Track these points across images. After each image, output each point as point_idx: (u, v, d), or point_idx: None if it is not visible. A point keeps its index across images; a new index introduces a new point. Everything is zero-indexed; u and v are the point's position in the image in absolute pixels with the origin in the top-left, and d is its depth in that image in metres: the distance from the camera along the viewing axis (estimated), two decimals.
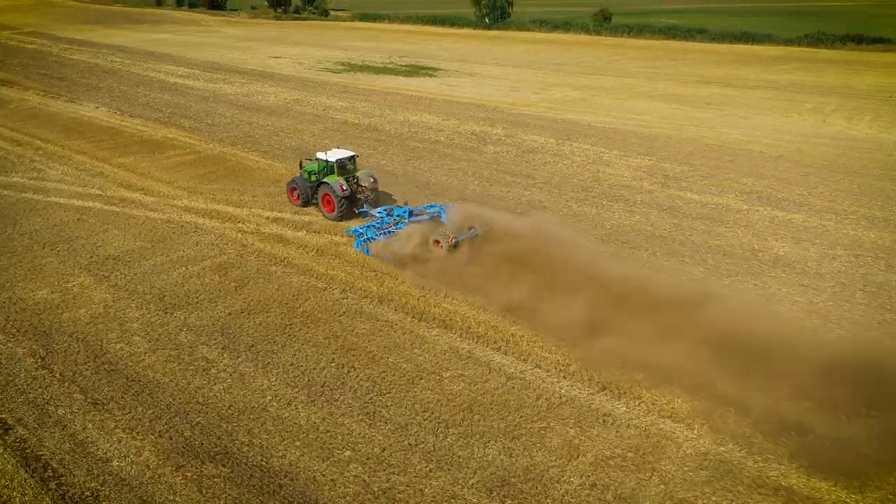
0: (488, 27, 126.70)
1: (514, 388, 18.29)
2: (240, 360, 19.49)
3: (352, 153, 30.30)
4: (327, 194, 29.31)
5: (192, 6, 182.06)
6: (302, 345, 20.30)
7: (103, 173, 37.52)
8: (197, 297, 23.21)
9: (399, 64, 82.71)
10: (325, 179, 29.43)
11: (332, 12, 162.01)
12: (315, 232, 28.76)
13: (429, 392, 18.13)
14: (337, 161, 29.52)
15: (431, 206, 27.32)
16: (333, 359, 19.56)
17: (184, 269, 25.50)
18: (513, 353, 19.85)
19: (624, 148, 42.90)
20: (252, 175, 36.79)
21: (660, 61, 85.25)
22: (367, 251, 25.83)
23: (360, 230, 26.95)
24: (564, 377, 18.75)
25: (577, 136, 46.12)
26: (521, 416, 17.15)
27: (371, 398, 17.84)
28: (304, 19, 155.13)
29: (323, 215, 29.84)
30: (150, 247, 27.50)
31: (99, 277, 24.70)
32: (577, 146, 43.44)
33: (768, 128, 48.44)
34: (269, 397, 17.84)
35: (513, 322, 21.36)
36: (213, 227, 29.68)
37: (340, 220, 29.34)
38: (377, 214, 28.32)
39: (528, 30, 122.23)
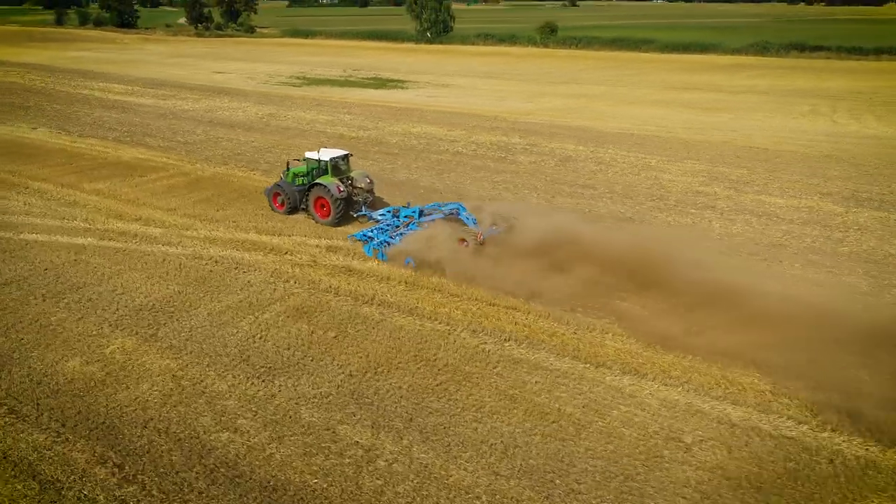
0: (430, 41, 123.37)
1: (795, 456, 13.93)
2: (406, 442, 14.11)
3: (345, 151, 27.54)
4: (321, 197, 26.41)
5: (97, 24, 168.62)
6: (476, 412, 15.14)
7: (78, 202, 30.55)
8: (294, 356, 17.51)
9: (360, 77, 77.52)
10: (318, 181, 26.42)
11: (257, 29, 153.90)
12: (387, 262, 23.45)
13: (683, 467, 13.49)
14: (331, 160, 26.58)
15: (445, 205, 25.24)
16: (532, 430, 14.54)
17: (252, 317, 19.63)
18: (750, 403, 15.53)
19: (664, 153, 39.88)
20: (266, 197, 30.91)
21: (624, 70, 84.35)
22: (382, 255, 23.21)
23: (368, 234, 24.44)
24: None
25: (605, 142, 42.80)
26: None
27: (627, 486, 12.99)
28: (229, 36, 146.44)
29: (315, 221, 26.90)
30: (190, 291, 21.36)
31: (143, 337, 18.46)
32: (614, 153, 40.06)
33: (786, 129, 46.94)
34: (484, 499, 12.63)
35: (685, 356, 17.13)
36: (259, 261, 23.79)
37: (337, 226, 26.46)
38: (380, 217, 26.06)
39: (473, 43, 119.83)
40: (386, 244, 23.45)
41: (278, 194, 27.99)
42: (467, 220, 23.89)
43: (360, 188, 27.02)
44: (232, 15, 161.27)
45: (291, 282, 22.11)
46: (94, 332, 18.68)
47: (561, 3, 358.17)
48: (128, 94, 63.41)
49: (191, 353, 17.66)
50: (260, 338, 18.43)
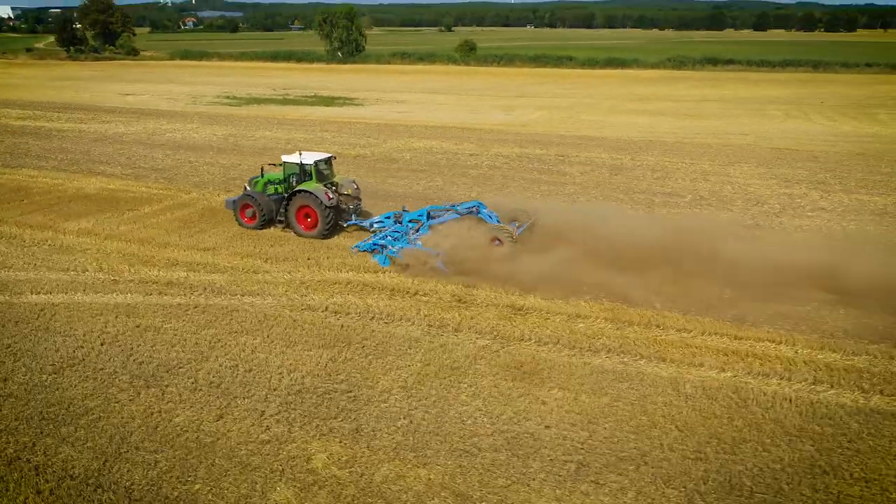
0: (342, 61, 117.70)
1: None
2: None
3: (328, 154, 24.60)
4: (306, 206, 23.22)
5: None
6: None
7: (72, 247, 22.96)
8: (594, 440, 12.25)
9: (298, 95, 70.74)
10: (301, 188, 23.13)
11: (140, 52, 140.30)
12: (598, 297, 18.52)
13: None
14: (315, 164, 23.41)
15: (461, 205, 22.74)
16: None
17: (463, 385, 14.02)
18: None
19: (704, 158, 37.72)
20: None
21: (566, 85, 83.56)
22: (384, 260, 20.80)
23: (378, 242, 21.62)
24: None
25: (637, 151, 40.13)
26: None
27: None
28: (108, 59, 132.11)
29: (296, 234, 23.64)
30: (347, 358, 15.26)
31: (347, 436, 12.35)
32: (657, 160, 37.39)
33: (792, 132, 46.54)
34: None
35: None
36: (394, 307, 17.99)
37: (325, 238, 23.33)
38: (375, 225, 23.48)
39: (389, 62, 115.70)
40: (402, 249, 20.77)
41: (248, 206, 24.19)
42: (489, 218, 21.46)
43: (348, 195, 24.06)
44: (107, 37, 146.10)
45: (466, 331, 16.64)
46: (264, 437, 12.30)
47: (437, 28, 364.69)
48: (35, 119, 52.95)
49: (436, 452, 11.89)
50: (511, 417, 12.96)
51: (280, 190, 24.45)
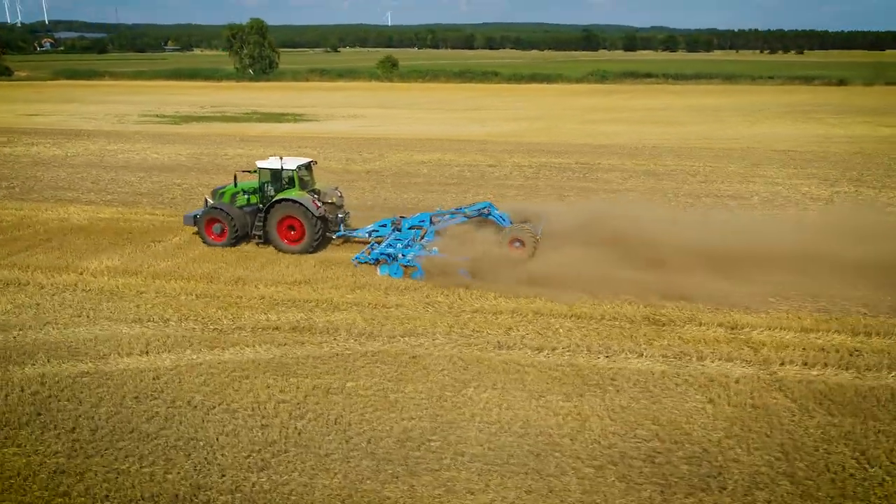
0: (253, 78, 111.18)
1: None
2: None
3: (308, 159, 21.91)
4: (290, 217, 20.72)
5: None
6: None
7: (118, 291, 18.16)
8: None
9: (240, 113, 64.88)
10: (283, 196, 20.68)
11: (15, 72, 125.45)
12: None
13: None
14: (298, 170, 21.06)
15: (470, 207, 21.20)
16: None
17: None
18: None
19: (727, 162, 37.35)
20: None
21: (508, 98, 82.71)
22: (420, 273, 18.56)
23: (386, 251, 19.51)
24: None
25: (652, 156, 39.21)
26: None
27: None
28: None
29: (279, 249, 20.97)
30: (633, 406, 12.09)
31: None
32: (679, 164, 36.54)
33: (775, 136, 47.37)
34: None
35: None
36: (625, 338, 14.97)
37: (313, 251, 20.83)
38: (369, 234, 21.40)
39: (307, 79, 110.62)
40: (418, 257, 18.89)
41: (216, 220, 21.29)
42: (500, 220, 20.21)
43: (332, 203, 21.73)
44: None
45: (718, 360, 13.86)
46: None
47: (323, 49, 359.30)
48: None
49: None
50: None
51: (254, 200, 21.83)
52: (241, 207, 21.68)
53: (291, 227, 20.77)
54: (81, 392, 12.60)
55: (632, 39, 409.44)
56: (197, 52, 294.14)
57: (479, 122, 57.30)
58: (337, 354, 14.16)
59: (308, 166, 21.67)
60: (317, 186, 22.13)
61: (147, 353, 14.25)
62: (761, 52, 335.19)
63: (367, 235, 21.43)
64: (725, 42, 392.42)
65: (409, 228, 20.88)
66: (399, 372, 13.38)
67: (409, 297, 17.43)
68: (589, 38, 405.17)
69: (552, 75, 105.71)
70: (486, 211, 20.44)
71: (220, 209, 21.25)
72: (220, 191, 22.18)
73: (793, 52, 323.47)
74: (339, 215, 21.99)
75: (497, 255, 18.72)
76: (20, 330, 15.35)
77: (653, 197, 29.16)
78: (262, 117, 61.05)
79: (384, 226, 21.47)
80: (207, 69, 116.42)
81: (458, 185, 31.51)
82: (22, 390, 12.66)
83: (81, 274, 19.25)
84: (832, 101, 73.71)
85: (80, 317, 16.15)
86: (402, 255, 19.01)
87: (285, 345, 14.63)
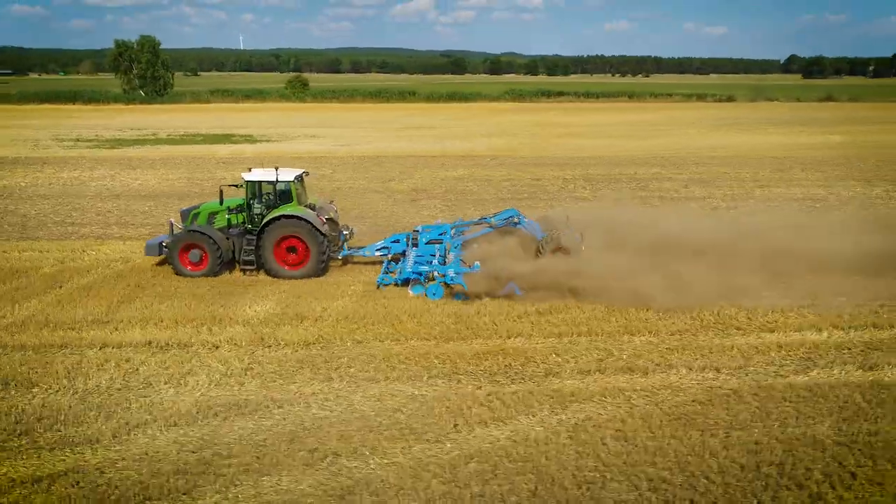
0: (147, 100, 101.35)
1: None
2: None
3: (300, 170, 19.40)
4: (292, 237, 18.09)
5: None
6: None
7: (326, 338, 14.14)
8: None
9: (183, 135, 58.02)
10: (281, 212, 18.10)
11: None
12: None
13: None
14: (296, 181, 18.67)
15: (496, 216, 19.51)
16: None
17: None
18: None
19: (745, 169, 38.30)
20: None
21: (443, 117, 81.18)
22: (462, 295, 16.59)
23: (418, 270, 17.23)
24: None
25: (670, 166, 39.32)
26: None
27: None
28: None
29: (275, 276, 18.17)
30: None
31: None
32: (710, 171, 36.89)
33: (753, 145, 49.82)
34: None
35: None
36: None
37: (319, 275, 18.37)
38: (381, 251, 19.44)
39: (208, 101, 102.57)
40: (460, 274, 16.70)
41: (193, 246, 18.19)
42: (530, 228, 18.83)
43: (331, 219, 19.39)
44: None
45: None
46: None
47: (183, 72, 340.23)
48: None
49: None
50: None
51: (241, 219, 19.05)
52: (231, 228, 18.95)
53: (292, 249, 18.20)
54: None
55: (496, 63, 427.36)
56: (57, 76, 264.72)
57: (457, 139, 55.25)
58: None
59: (301, 178, 19.15)
60: (311, 200, 19.73)
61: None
62: (612, 75, 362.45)
63: (375, 254, 19.43)
64: (577, 67, 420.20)
65: (427, 243, 18.88)
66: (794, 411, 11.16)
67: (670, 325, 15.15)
68: (457, 63, 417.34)
69: (471, 94, 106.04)
70: (515, 220, 18.84)
71: (199, 232, 18.17)
72: (194, 211, 19.25)
73: (640, 75, 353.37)
74: (344, 232, 19.77)
75: (553, 265, 17.13)
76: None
77: (736, 204, 28.86)
78: (207, 139, 54.93)
79: (397, 241, 19.53)
80: (88, 91, 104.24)
81: (523, 201, 29.14)
82: None
83: (248, 325, 15.00)
84: (748, 115, 79.65)
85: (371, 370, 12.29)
86: (443, 273, 16.84)
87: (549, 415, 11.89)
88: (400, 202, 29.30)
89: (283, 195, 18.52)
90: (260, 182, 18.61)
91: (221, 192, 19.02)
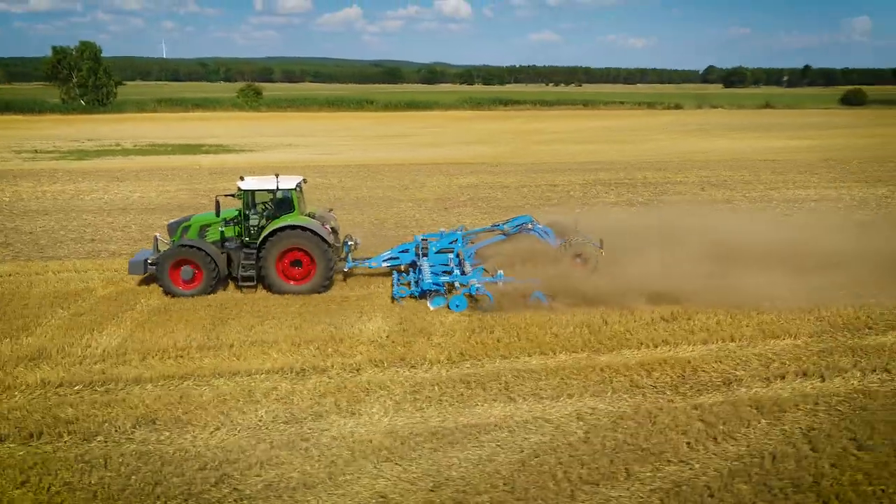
0: (88, 110, 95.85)
1: None
2: None
3: (299, 177, 18.11)
4: (296, 249, 16.75)
5: None
6: None
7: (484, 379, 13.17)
8: None
9: (147, 146, 54.83)
10: (284, 222, 16.75)
11: None
12: None
13: None
14: (297, 189, 17.45)
15: (509, 221, 18.89)
16: None
17: None
18: None
19: (757, 173, 39.33)
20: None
21: (413, 125, 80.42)
22: (492, 301, 15.65)
23: (435, 283, 16.10)
24: None
25: (674, 171, 39.95)
26: None
27: None
28: None
29: (278, 291, 16.78)
30: None
31: None
32: (721, 175, 37.66)
33: (731, 149, 51.28)
34: None
35: None
36: None
37: (324, 290, 16.95)
38: (388, 262, 18.19)
39: (155, 110, 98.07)
40: (484, 283, 15.96)
41: (186, 262, 16.57)
42: (544, 235, 18.21)
43: (333, 229, 18.07)
44: None
45: None
46: None
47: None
48: None
49: None
50: None
51: (237, 231, 17.54)
52: (226, 242, 17.45)
53: (296, 263, 16.89)
54: None
55: (431, 73, 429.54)
56: None
57: (436, 145, 54.64)
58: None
59: (300, 186, 17.83)
60: (310, 209, 18.56)
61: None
62: (546, 84, 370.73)
63: (382, 265, 18.25)
64: (511, 76, 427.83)
65: (437, 252, 18.05)
66: None
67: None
68: (390, 72, 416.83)
69: (429, 103, 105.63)
70: (529, 226, 18.26)
71: (194, 246, 16.67)
72: (184, 224, 17.59)
73: (573, 84, 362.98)
74: (349, 242, 18.44)
75: (576, 272, 16.68)
76: None
77: (762, 205, 29.41)
78: (175, 149, 52.12)
79: (406, 251, 18.43)
80: (21, 101, 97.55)
81: (559, 205, 29.00)
82: None
83: (375, 344, 13.81)
84: (707, 122, 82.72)
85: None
86: (467, 284, 15.96)
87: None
88: (433, 210, 28.35)
89: (283, 204, 17.23)
90: (257, 191, 17.30)
91: (218, 202, 17.39)
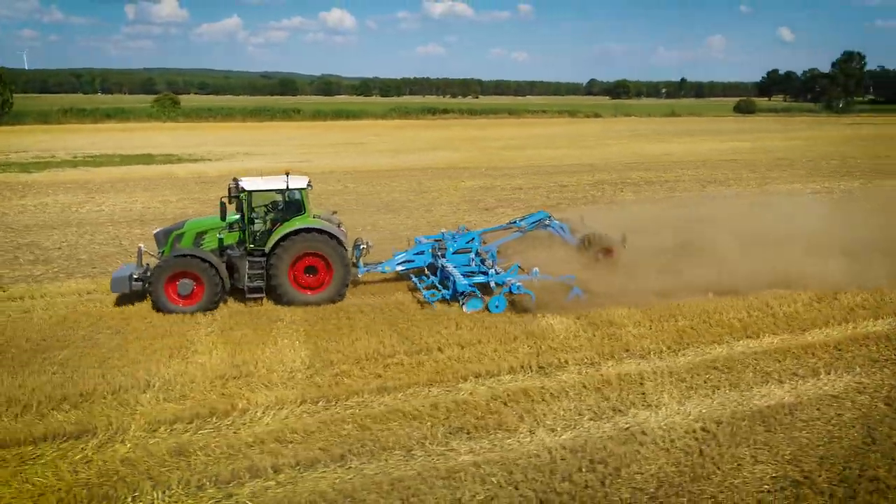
0: None
1: None
2: None
3: (305, 177, 16.35)
4: (311, 255, 15.34)
5: None
6: None
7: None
8: None
9: (100, 155, 50.14)
10: (298, 225, 15.29)
11: None
12: None
13: None
14: (309, 187, 16.08)
15: (525, 218, 18.78)
16: None
17: None
18: None
19: (735, 171, 41.84)
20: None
21: (362, 134, 78.87)
22: (506, 301, 15.22)
23: (469, 285, 15.21)
24: None
25: (660, 170, 41.75)
26: None
27: None
28: None
29: (288, 301, 15.27)
30: None
31: None
32: (703, 173, 39.75)
33: (697, 151, 54.23)
34: None
35: None
36: None
37: (337, 300, 15.55)
38: (403, 266, 17.13)
39: (60, 121, 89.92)
40: (521, 281, 15.44)
41: (184, 274, 14.72)
42: (560, 231, 18.24)
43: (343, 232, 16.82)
44: None
45: None
46: None
47: None
48: None
49: None
50: None
51: (236, 238, 15.82)
52: (227, 250, 15.67)
53: (311, 270, 15.43)
54: None
55: (327, 84, 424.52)
56: None
57: (403, 152, 53.84)
58: None
59: (310, 185, 16.26)
60: (315, 212, 16.75)
61: None
62: (443, 96, 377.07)
63: (396, 269, 17.08)
64: (406, 87, 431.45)
65: (455, 253, 17.33)
66: None
67: None
68: (283, 83, 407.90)
69: (357, 112, 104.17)
70: (546, 222, 18.16)
71: (196, 257, 14.82)
72: (176, 232, 15.61)
73: (469, 96, 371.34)
74: (360, 245, 16.82)
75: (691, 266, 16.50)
76: None
77: (769, 199, 31.35)
78: (130, 160, 48.05)
79: (421, 253, 17.40)
80: None
81: (588, 203, 29.50)
82: None
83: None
84: (639, 128, 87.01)
85: None
86: (505, 283, 15.24)
87: None
88: (469, 211, 27.93)
89: (292, 206, 15.71)
90: (263, 192, 15.69)
91: (224, 205, 15.32)
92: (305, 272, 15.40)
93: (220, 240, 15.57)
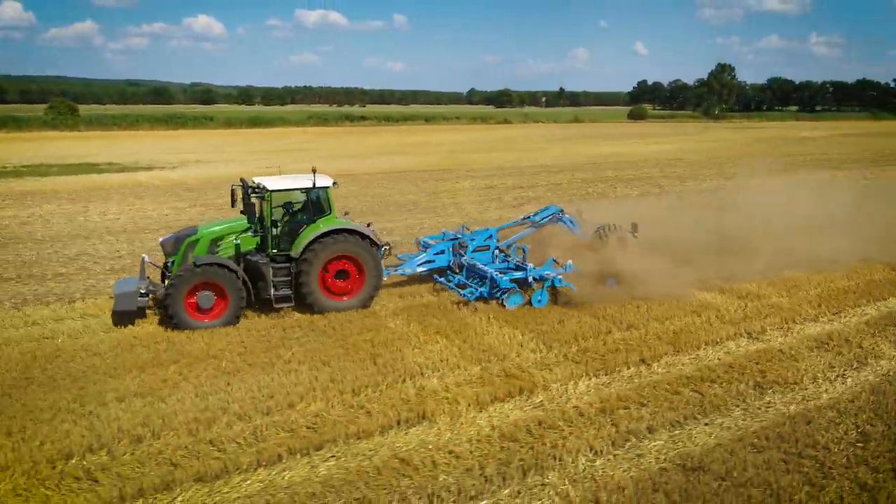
0: None
1: None
2: None
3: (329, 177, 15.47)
4: (344, 257, 14.57)
5: None
6: None
7: None
8: None
9: (54, 165, 45.43)
10: (329, 226, 14.43)
11: None
12: None
13: None
14: (335, 185, 15.24)
15: (537, 213, 18.85)
16: None
17: None
18: None
19: (717, 169, 45.26)
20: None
21: (285, 141, 76.52)
22: (547, 295, 15.51)
23: (509, 281, 15.36)
24: None
25: (637, 168, 44.54)
26: None
27: None
28: None
29: (319, 310, 14.39)
30: None
31: None
32: (679, 171, 42.88)
33: (648, 153, 57.48)
34: None
35: None
36: None
37: (368, 306, 14.84)
38: (423, 267, 16.82)
39: None
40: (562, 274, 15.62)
41: (204, 285, 13.44)
42: (571, 225, 18.55)
43: None
44: None
45: None
46: None
47: None
48: None
49: None
50: None
51: (255, 243, 14.67)
52: (249, 256, 14.51)
53: (342, 274, 14.53)
54: None
55: (207, 93, 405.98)
56: None
57: (363, 156, 53.42)
58: None
59: (335, 184, 15.40)
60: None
61: None
62: (330, 105, 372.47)
63: (418, 270, 16.71)
64: (288, 96, 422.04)
65: (474, 251, 17.13)
66: None
67: None
68: (157, 91, 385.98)
69: (273, 119, 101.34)
70: (558, 216, 18.42)
71: (220, 265, 13.51)
72: (189, 239, 14.25)
73: (356, 104, 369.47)
74: (382, 248, 15.57)
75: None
76: None
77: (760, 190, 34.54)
78: (60, 169, 44.20)
79: (441, 252, 17.04)
80: None
81: (597, 198, 31.23)
82: None
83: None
84: (562, 134, 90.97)
85: None
86: (545, 277, 15.31)
87: None
88: (501, 209, 28.73)
89: (318, 207, 14.69)
90: (293, 190, 14.70)
91: (252, 205, 14.30)
92: (336, 276, 14.39)
93: (237, 245, 14.21)
